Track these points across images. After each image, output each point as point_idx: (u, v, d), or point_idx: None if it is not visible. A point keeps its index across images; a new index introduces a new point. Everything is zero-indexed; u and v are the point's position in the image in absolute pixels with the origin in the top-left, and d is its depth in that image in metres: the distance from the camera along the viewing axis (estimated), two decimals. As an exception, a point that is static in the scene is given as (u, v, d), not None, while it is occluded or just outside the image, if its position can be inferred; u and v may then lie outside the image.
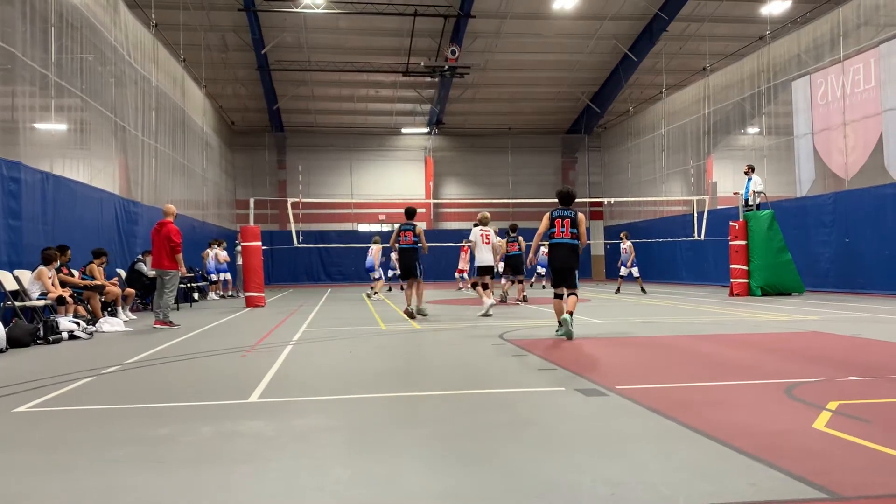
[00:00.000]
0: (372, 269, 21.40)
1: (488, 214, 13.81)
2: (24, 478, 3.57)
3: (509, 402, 5.15)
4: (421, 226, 12.99)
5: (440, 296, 20.62)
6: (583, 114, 36.05)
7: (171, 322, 11.95)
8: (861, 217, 17.94)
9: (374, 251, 21.24)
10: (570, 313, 8.90)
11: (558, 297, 9.19)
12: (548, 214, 9.14)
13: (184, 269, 12.59)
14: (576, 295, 9.10)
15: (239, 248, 20.42)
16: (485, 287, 13.09)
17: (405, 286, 12.71)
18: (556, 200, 9.36)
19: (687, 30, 28.21)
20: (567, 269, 9.08)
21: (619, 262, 21.88)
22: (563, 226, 8.97)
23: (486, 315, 12.38)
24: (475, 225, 13.83)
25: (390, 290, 23.57)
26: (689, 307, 14.62)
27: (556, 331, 9.24)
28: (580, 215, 9.06)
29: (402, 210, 12.85)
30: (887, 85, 17.51)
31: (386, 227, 35.83)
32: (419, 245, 12.52)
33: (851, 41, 18.98)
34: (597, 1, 26.39)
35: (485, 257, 13.34)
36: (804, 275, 18.33)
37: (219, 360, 7.78)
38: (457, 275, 24.60)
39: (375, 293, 20.67)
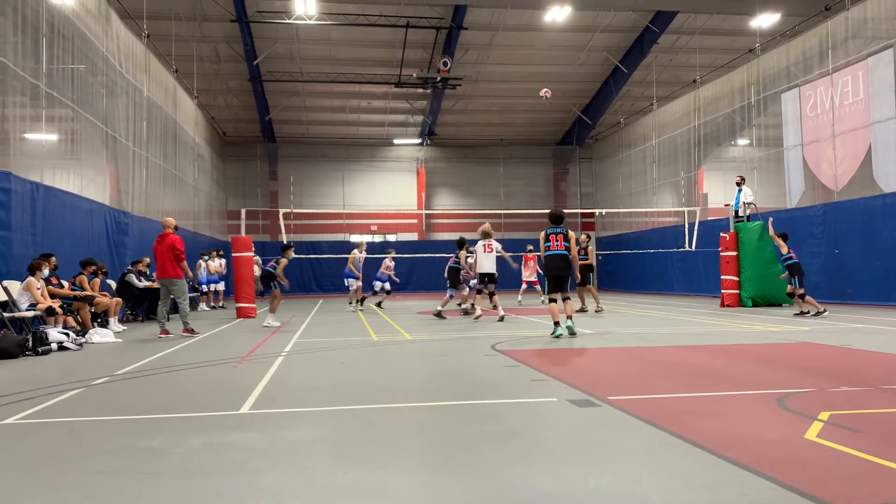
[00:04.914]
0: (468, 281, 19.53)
1: (489, 226, 14.78)
2: (12, 491, 3.53)
3: (501, 413, 5.14)
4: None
5: (434, 306, 20.52)
6: (574, 125, 36.20)
7: (192, 329, 12.13)
8: (850, 228, 18.04)
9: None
10: (570, 317, 10.32)
11: (553, 301, 10.43)
12: (543, 233, 10.49)
13: (190, 273, 12.78)
14: (570, 299, 10.53)
15: (258, 259, 20.33)
16: (491, 295, 14.28)
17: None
18: (550, 220, 10.68)
19: (677, 42, 28.43)
20: (562, 277, 10.43)
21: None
22: (556, 240, 10.38)
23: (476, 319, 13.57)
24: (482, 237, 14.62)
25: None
26: (680, 318, 14.65)
27: (552, 333, 10.28)
28: (570, 232, 10.47)
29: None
30: (875, 97, 17.66)
31: (377, 238, 35.84)
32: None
33: (840, 54, 19.15)
34: (588, 14, 26.55)
35: (485, 265, 14.40)
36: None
37: (209, 371, 7.74)
38: (524, 285, 22.18)
39: (470, 306, 17.04)
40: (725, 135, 26.49)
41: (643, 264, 29.20)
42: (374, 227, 36.56)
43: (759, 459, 3.72)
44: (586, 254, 17.58)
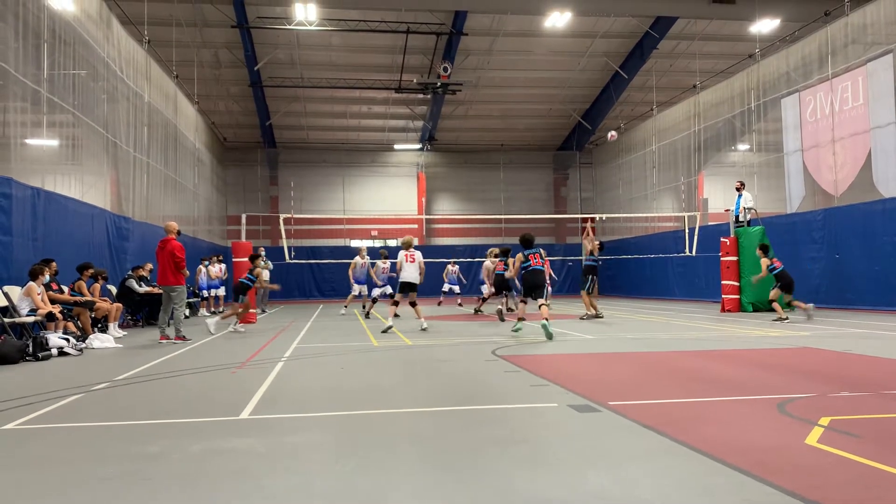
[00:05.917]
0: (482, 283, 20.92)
1: (411, 238, 15.81)
2: (13, 496, 3.53)
3: (501, 419, 5.14)
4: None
5: (435, 312, 20.53)
6: (574, 130, 36.24)
7: (184, 336, 12.08)
8: (851, 233, 18.04)
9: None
10: (547, 320, 11.52)
11: (524, 302, 12.50)
12: (521, 254, 12.34)
13: (188, 273, 12.87)
14: (547, 306, 12.02)
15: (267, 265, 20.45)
16: (395, 304, 15.02)
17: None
18: (523, 244, 12.48)
19: (677, 48, 28.49)
20: (539, 287, 12.28)
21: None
22: (535, 258, 12.27)
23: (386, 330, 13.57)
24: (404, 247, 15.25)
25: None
26: (680, 323, 14.64)
27: (514, 327, 12.04)
28: (543, 252, 12.58)
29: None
30: (875, 102, 17.69)
31: (378, 243, 35.83)
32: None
33: (839, 59, 19.19)
34: (588, 19, 26.62)
35: (407, 275, 14.79)
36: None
37: (209, 377, 7.73)
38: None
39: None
40: (725, 140, 26.51)
41: (643, 269, 29.21)
42: (374, 232, 36.57)
43: (759, 465, 3.72)
44: (593, 254, 16.80)
